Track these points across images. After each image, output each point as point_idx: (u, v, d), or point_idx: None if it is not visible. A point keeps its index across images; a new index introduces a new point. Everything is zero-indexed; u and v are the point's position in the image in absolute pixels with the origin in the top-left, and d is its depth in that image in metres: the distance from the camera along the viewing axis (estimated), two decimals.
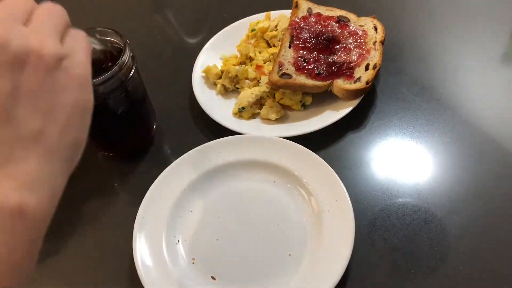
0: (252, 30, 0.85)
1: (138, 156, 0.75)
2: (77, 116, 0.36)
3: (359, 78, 0.73)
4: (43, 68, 0.34)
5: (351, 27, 0.78)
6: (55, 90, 0.35)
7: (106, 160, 0.75)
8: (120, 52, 0.63)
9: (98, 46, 0.63)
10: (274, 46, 0.83)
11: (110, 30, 0.66)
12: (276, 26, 0.85)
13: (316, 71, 0.74)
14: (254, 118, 0.76)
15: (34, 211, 0.33)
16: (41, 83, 0.34)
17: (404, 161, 0.68)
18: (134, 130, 0.73)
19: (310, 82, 0.73)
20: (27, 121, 0.33)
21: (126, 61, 0.63)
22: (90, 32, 0.66)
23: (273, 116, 0.74)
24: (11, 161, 0.33)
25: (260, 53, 0.82)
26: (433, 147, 0.69)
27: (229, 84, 0.79)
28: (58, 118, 0.35)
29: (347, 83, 0.72)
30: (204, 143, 0.70)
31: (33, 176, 0.34)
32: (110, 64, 0.64)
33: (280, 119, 0.75)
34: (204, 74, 0.81)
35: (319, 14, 0.81)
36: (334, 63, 0.74)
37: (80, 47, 0.38)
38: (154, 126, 0.76)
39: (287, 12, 0.86)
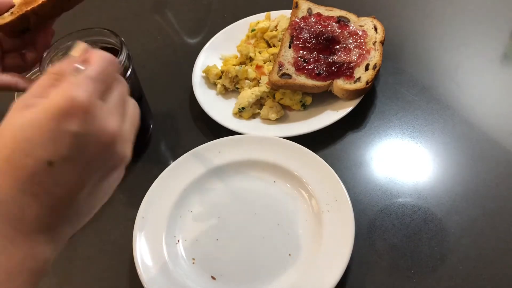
0: (252, 30, 0.85)
1: (136, 156, 0.75)
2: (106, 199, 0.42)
3: (359, 78, 0.73)
4: (120, 173, 0.39)
5: (351, 27, 0.78)
6: (110, 187, 0.40)
7: None
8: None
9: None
10: (274, 46, 0.83)
11: (106, 30, 0.65)
12: (276, 26, 0.85)
13: (316, 71, 0.74)
14: (254, 118, 0.76)
15: (49, 268, 0.37)
16: (111, 182, 0.39)
17: (404, 161, 0.68)
18: None
19: (310, 82, 0.73)
20: (83, 205, 0.38)
21: (123, 61, 0.63)
22: (87, 33, 0.67)
23: (273, 116, 0.74)
24: (57, 229, 0.37)
25: (260, 53, 0.82)
26: (433, 147, 0.69)
27: (229, 84, 0.79)
28: (97, 204, 0.40)
29: (347, 83, 0.72)
30: (204, 143, 0.70)
31: (63, 241, 0.38)
32: None
33: (280, 119, 0.75)
34: (204, 74, 0.81)
35: (319, 14, 0.81)
36: (334, 63, 0.74)
37: None
38: (151, 126, 0.76)
39: (287, 12, 0.86)
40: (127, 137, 0.39)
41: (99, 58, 0.38)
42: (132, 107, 0.41)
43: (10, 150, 0.34)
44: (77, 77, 0.36)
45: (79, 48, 0.40)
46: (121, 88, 0.39)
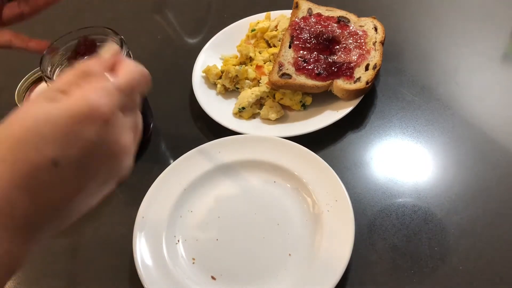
0: (252, 30, 0.85)
1: (136, 156, 0.75)
2: None
3: (359, 78, 0.73)
4: (114, 184, 0.38)
5: (351, 28, 0.78)
6: (101, 196, 0.38)
7: None
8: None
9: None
10: (274, 46, 0.83)
11: (106, 29, 0.66)
12: (276, 26, 0.85)
13: (316, 71, 0.74)
14: (254, 118, 0.76)
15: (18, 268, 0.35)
16: (104, 192, 0.38)
17: (404, 161, 0.68)
18: None
19: (310, 82, 0.73)
20: (72, 210, 0.36)
21: None
22: (87, 32, 0.67)
23: (273, 116, 0.74)
24: (40, 230, 0.34)
25: (260, 53, 0.82)
26: (433, 147, 0.69)
27: (229, 84, 0.79)
28: (84, 211, 0.37)
29: (347, 83, 0.72)
30: (204, 143, 0.70)
31: (38, 243, 0.35)
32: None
33: (280, 119, 0.75)
34: (204, 74, 0.81)
35: (319, 15, 0.81)
36: (334, 63, 0.74)
37: None
38: (152, 125, 0.76)
39: (287, 12, 0.86)
40: (133, 151, 0.39)
41: (132, 70, 0.37)
42: (140, 122, 0.41)
43: (16, 140, 0.32)
44: (106, 84, 0.35)
45: (110, 49, 0.39)
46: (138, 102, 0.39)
